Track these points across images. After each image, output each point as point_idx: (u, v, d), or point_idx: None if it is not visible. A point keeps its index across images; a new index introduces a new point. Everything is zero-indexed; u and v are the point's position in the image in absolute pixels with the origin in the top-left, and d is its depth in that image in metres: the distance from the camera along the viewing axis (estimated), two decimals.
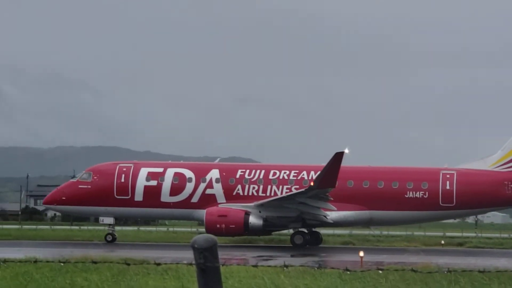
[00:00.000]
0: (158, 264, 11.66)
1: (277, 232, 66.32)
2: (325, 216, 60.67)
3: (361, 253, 37.65)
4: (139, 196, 62.86)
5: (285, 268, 17.83)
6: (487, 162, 62.74)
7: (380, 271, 25.12)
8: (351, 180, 62.68)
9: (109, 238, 63.58)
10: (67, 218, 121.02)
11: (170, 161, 68.14)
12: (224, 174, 63.44)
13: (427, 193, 61.47)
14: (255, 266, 13.62)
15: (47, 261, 26.58)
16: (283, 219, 60.44)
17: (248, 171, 63.73)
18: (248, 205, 60.27)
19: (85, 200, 63.08)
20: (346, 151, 57.06)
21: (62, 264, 25.31)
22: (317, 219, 61.00)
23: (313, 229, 64.02)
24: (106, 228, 65.49)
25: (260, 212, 59.75)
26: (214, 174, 63.23)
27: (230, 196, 62.52)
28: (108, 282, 26.14)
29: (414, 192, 61.57)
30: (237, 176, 63.37)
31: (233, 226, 58.90)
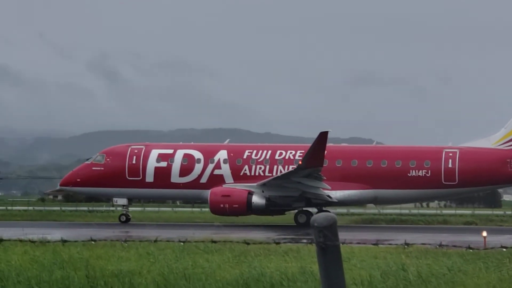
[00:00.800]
0: (277, 244, 11.62)
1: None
2: (328, 196, 61.27)
3: (484, 233, 36.80)
4: (150, 177, 64.15)
5: (405, 247, 17.51)
6: (491, 140, 62.77)
7: (504, 249, 24.44)
8: (355, 159, 63.34)
9: (123, 218, 64.85)
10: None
11: (181, 143, 68.75)
12: (231, 155, 64.35)
13: (429, 171, 61.71)
14: (375, 244, 13.35)
15: (168, 241, 26.88)
16: (285, 199, 60.93)
17: (255, 151, 64.50)
18: (252, 185, 60.91)
19: (98, 182, 64.56)
20: (330, 130, 56.58)
21: (182, 243, 25.52)
22: (320, 198, 61.41)
23: (323, 208, 64.01)
24: (120, 209, 67.22)
25: (263, 191, 60.38)
26: (222, 155, 64.16)
27: (237, 176, 63.45)
28: (230, 263, 26.33)
29: (417, 171, 61.85)
30: (244, 156, 64.23)
31: (236, 206, 59.62)
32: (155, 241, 18.48)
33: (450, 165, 61.57)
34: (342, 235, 8.35)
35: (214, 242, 16.82)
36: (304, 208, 62.59)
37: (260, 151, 64.12)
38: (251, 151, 64.59)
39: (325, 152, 58.31)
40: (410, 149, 65.48)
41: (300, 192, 60.61)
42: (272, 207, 61.75)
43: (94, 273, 22.31)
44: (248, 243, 14.17)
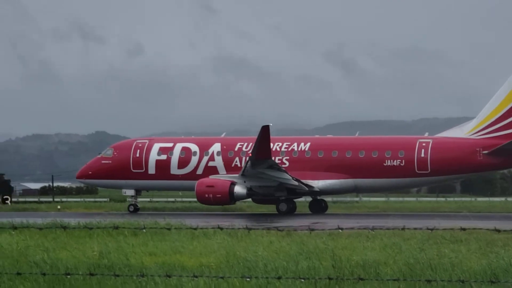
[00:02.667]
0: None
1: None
2: (310, 185, 63.79)
3: None
4: (152, 169, 68.24)
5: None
6: (464, 130, 64.38)
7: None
8: (336, 150, 65.92)
9: (131, 208, 68.79)
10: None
11: (182, 137, 71.96)
12: (224, 147, 67.59)
13: (403, 161, 63.84)
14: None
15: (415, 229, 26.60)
16: (266, 188, 63.41)
17: (246, 143, 67.23)
18: (235, 176, 63.19)
19: (107, 174, 69.10)
20: (271, 124, 58.65)
21: (430, 231, 25.16)
22: (299, 188, 63.50)
23: (318, 197, 67.45)
24: (128, 199, 70.55)
25: (244, 182, 62.74)
26: (216, 147, 67.39)
27: (229, 167, 66.36)
28: (476, 253, 25.68)
29: (392, 161, 64.10)
30: (236, 149, 67.37)
31: (220, 195, 62.25)
32: (403, 229, 18.29)
33: (422, 155, 63.57)
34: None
35: (463, 229, 16.36)
36: (287, 197, 64.49)
37: (251, 144, 65.26)
38: (242, 143, 67.56)
39: (271, 143, 60.86)
40: (386, 140, 68.87)
41: (278, 183, 62.67)
42: (254, 197, 65.39)
43: (340, 263, 22.48)
44: (498, 231, 13.64)
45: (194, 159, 67.66)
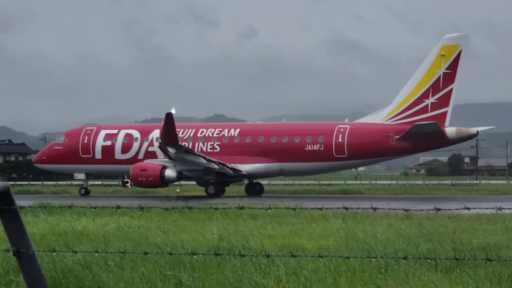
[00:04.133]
0: None
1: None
2: (237, 169, 67.34)
3: None
4: (98, 154, 72.10)
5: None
6: (380, 116, 67.77)
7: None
8: (262, 136, 69.77)
9: (82, 191, 73.39)
10: None
11: (128, 123, 76.44)
12: None
13: (322, 145, 67.45)
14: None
15: None
16: (194, 172, 66.72)
17: (182, 130, 70.62)
18: (167, 160, 66.00)
19: (59, 159, 72.93)
20: (173, 111, 63.31)
21: None
22: (226, 171, 66.86)
23: (254, 181, 72.14)
24: (80, 183, 75.78)
25: (175, 166, 65.82)
26: (156, 134, 70.44)
27: None
28: None
29: (312, 145, 67.77)
30: None
31: (151, 179, 65.16)
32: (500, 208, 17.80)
33: (340, 140, 67.13)
34: None
35: None
36: (216, 181, 67.92)
37: (186, 130, 71.03)
38: (179, 130, 68.91)
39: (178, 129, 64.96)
40: (308, 126, 74.22)
41: (204, 167, 66.01)
42: (184, 180, 69.96)
43: (460, 246, 22.14)
44: None
45: (136, 145, 71.48)
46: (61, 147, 73.01)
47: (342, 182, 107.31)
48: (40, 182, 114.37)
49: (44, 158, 74.23)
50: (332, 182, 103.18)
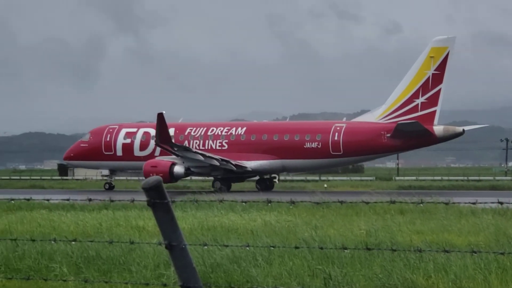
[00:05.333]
0: None
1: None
2: (239, 166, 70.48)
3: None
4: (119, 151, 76.24)
5: None
6: (375, 115, 70.90)
7: None
8: (266, 134, 73.23)
9: (107, 186, 77.84)
10: None
11: (147, 122, 78.66)
12: (177, 131, 74.54)
13: (320, 143, 70.43)
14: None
15: None
16: (201, 168, 70.92)
17: (194, 128, 75.45)
18: (176, 157, 69.77)
19: (85, 156, 77.29)
20: (164, 112, 65.06)
21: None
22: (231, 168, 70.23)
23: (265, 177, 75.64)
24: (105, 178, 79.77)
25: (183, 162, 69.85)
26: (170, 131, 70.72)
27: None
28: None
29: (310, 143, 70.81)
30: (186, 133, 75.11)
31: (162, 174, 66.80)
32: None
33: (336, 138, 69.98)
34: None
35: None
36: (223, 177, 71.40)
37: (198, 128, 75.23)
38: (191, 128, 75.43)
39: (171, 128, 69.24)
40: (307, 124, 77.48)
41: (208, 163, 69.57)
42: (192, 176, 74.69)
43: None
44: None
45: (152, 142, 73.90)
46: (87, 145, 77.47)
47: (491, 178, 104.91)
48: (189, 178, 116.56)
49: (72, 154, 78.69)
50: (481, 178, 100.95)
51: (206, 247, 19.70)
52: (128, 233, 27.57)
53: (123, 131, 77.23)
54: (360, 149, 69.88)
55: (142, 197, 7.35)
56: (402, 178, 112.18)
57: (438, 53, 67.60)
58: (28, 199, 13.72)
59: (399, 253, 19.53)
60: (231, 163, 70.48)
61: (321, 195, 39.87)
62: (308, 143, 71.00)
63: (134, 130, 77.33)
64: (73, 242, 20.68)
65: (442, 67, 67.79)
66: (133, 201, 8.35)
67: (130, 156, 76.06)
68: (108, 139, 76.98)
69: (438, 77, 67.86)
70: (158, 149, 73.21)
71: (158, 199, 6.79)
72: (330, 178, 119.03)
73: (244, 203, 33.41)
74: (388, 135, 68.33)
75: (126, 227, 29.88)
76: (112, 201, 9.94)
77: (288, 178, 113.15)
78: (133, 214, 33.74)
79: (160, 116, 65.49)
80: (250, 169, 72.41)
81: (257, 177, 76.47)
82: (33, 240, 18.81)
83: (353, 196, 51.96)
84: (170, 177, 69.71)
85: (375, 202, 12.54)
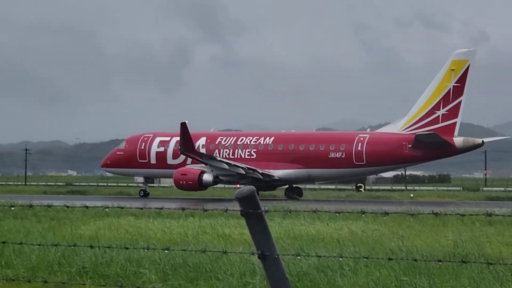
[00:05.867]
0: None
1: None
2: (267, 174, 72.45)
3: None
4: (153, 159, 77.99)
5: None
6: (397, 126, 72.13)
7: None
8: (292, 143, 74.79)
9: (141, 193, 78.93)
10: None
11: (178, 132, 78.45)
12: (208, 141, 77.18)
13: (344, 153, 71.91)
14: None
15: None
16: (229, 176, 72.82)
17: (225, 138, 77.42)
18: (205, 166, 71.80)
19: (120, 163, 79.17)
20: (187, 122, 68.11)
21: None
22: (258, 177, 71.95)
23: (294, 185, 76.74)
24: (140, 185, 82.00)
25: (212, 171, 71.87)
26: (202, 141, 76.61)
27: None
28: None
29: (335, 153, 72.21)
30: (216, 142, 76.90)
31: (191, 182, 71.33)
32: None
33: (359, 148, 71.25)
34: None
35: None
36: (249, 185, 65.31)
37: (228, 138, 76.97)
38: (222, 137, 77.36)
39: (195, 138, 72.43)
40: (332, 134, 79.29)
41: (235, 172, 71.48)
42: (220, 183, 75.57)
43: None
44: None
45: None
46: (122, 152, 79.55)
47: None
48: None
49: (109, 162, 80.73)
50: None
51: (298, 257, 19.70)
52: (215, 241, 27.76)
53: (157, 139, 79.14)
54: (382, 159, 71.40)
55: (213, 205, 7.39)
56: (490, 188, 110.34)
57: (459, 66, 68.96)
58: (121, 207, 13.94)
59: (488, 265, 19.18)
60: (258, 172, 72.50)
61: (409, 205, 39.45)
62: (333, 153, 72.51)
63: (168, 139, 78.72)
64: (166, 251, 20.89)
65: (462, 79, 69.01)
66: (226, 210, 8.39)
67: (163, 164, 77.90)
68: (142, 147, 78.89)
69: (458, 89, 69.16)
70: (190, 158, 74.88)
71: (251, 209, 6.81)
72: (416, 187, 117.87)
73: (337, 214, 33.28)
74: (410, 145, 69.79)
75: (213, 234, 30.11)
76: (205, 210, 10.01)
77: (374, 187, 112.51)
78: (220, 222, 33.96)
79: (183, 126, 67.91)
80: (277, 178, 74.22)
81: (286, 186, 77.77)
82: (127, 248, 19.01)
83: (440, 206, 51.24)
84: (199, 185, 71.85)
85: (470, 215, 12.28)
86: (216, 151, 76.37)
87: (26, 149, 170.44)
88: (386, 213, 9.59)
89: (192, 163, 73.99)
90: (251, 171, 72.35)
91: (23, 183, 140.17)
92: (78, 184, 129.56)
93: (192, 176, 71.71)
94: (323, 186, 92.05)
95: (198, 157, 71.29)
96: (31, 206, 11.46)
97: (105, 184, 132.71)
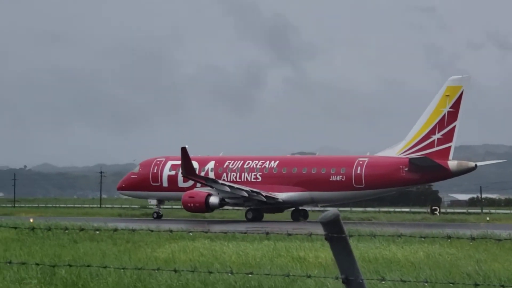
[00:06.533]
0: None
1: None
2: (271, 197, 74.64)
3: None
4: (165, 182, 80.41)
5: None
6: (395, 150, 74.24)
7: None
8: (295, 167, 77.16)
9: (155, 215, 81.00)
10: None
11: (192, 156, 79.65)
12: (217, 164, 79.69)
13: (344, 176, 74.16)
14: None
15: None
16: (234, 199, 75.17)
17: (232, 162, 79.61)
18: (212, 189, 74.21)
19: (135, 186, 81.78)
20: (187, 146, 70.97)
21: None
22: (259, 199, 74.51)
23: (300, 207, 78.73)
24: (153, 207, 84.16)
25: (218, 194, 73.93)
26: (211, 164, 79.51)
27: None
28: None
29: (335, 176, 74.50)
30: (224, 166, 79.38)
31: (198, 205, 73.62)
32: None
33: (358, 171, 73.47)
34: None
35: None
36: (254, 207, 75.76)
37: (236, 162, 79.30)
38: (230, 161, 79.64)
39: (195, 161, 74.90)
40: (333, 158, 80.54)
41: (242, 194, 73.62)
42: (226, 206, 77.99)
43: None
44: None
45: None
46: (136, 176, 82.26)
47: None
48: (348, 208, 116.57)
49: (124, 185, 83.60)
50: None
51: (383, 282, 19.58)
52: (289, 264, 27.74)
53: (169, 163, 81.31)
54: (380, 182, 73.45)
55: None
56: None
57: (453, 91, 71.20)
58: (190, 232, 14.09)
59: None
60: (262, 194, 74.77)
61: (485, 228, 38.93)
62: (334, 176, 74.80)
63: (179, 162, 78.91)
64: (250, 275, 20.94)
65: (456, 105, 71.45)
66: (310, 235, 8.41)
67: (174, 187, 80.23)
68: (155, 171, 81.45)
69: (453, 114, 71.56)
70: None
71: (336, 233, 6.83)
72: (492, 210, 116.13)
73: (399, 237, 32.96)
74: (406, 169, 71.93)
75: (287, 257, 30.09)
76: (289, 234, 10.03)
77: (449, 210, 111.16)
78: (294, 245, 33.94)
79: (184, 150, 70.41)
80: (281, 200, 76.44)
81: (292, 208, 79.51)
82: (211, 272, 19.03)
83: None
84: (206, 207, 74.17)
85: None
86: (224, 174, 79.04)
87: (101, 172, 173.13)
88: (473, 238, 9.48)
89: (202, 186, 76.23)
90: (255, 194, 74.77)
91: (98, 205, 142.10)
92: (151, 206, 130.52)
93: (199, 199, 74.04)
94: (397, 209, 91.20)
95: (200, 180, 74.37)
96: (115, 230, 11.63)
97: (180, 206, 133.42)
